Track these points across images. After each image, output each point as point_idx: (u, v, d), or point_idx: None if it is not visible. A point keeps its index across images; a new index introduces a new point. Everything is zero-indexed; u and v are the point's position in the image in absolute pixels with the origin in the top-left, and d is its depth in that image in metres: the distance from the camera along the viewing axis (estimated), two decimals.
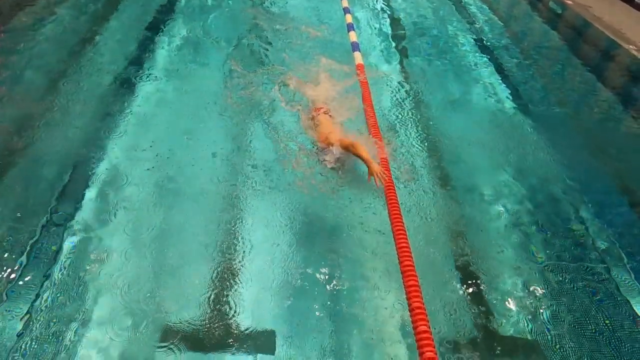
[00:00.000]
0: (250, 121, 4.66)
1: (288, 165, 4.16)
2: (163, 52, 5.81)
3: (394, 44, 6.51)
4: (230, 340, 2.93)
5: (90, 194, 3.78)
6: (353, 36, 6.26)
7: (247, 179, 4.06)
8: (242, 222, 3.70)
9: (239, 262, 3.40)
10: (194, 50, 5.95)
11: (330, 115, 4.60)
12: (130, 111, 4.69)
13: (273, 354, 2.88)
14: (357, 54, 5.81)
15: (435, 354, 2.48)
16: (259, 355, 2.88)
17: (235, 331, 2.98)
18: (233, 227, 3.65)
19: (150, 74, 5.31)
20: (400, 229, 3.31)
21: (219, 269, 3.33)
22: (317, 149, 4.27)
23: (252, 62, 5.65)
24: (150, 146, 4.27)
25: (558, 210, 4.00)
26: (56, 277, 3.17)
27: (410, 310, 2.76)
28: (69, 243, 3.40)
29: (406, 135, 4.68)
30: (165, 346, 2.87)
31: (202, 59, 5.75)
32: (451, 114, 5.10)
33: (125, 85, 5.08)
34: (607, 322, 3.16)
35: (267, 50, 5.93)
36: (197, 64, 5.64)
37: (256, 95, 5.00)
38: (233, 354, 2.88)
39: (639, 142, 5.07)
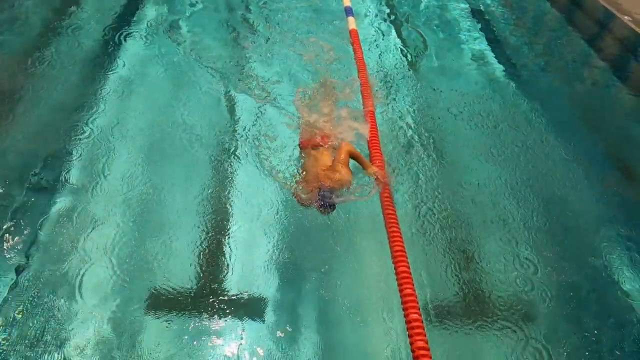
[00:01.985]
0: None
1: None
2: (152, 13, 5.66)
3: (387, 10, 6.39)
4: (220, 306, 2.96)
5: (75, 159, 3.74)
6: (347, 1, 6.12)
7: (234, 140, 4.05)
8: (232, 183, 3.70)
9: (228, 226, 3.41)
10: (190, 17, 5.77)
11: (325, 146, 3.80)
12: (118, 75, 4.59)
13: (262, 319, 2.91)
14: (350, 19, 5.70)
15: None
16: (247, 321, 2.91)
17: (224, 296, 3.01)
18: (222, 188, 3.66)
19: (142, 36, 5.19)
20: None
21: (206, 233, 3.33)
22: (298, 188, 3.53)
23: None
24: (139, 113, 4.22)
25: (548, 179, 3.99)
26: (42, 242, 3.15)
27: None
28: (54, 207, 3.37)
29: (396, 98, 4.65)
30: (152, 310, 2.89)
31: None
32: (442, 80, 5.05)
33: (111, 48, 4.97)
34: (593, 290, 3.23)
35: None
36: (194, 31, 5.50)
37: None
38: (221, 317, 2.90)
39: (632, 113, 5.08)
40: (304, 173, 3.61)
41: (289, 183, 3.60)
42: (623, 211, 3.80)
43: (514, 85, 5.12)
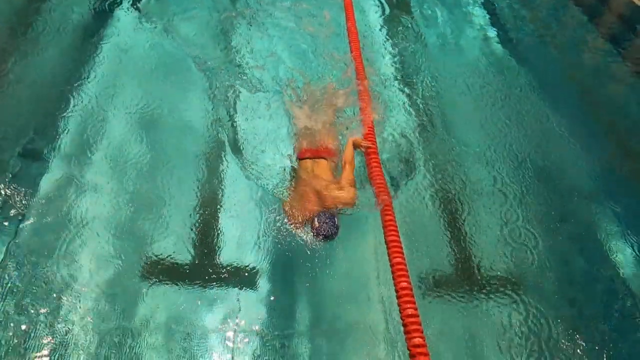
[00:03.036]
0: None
1: None
2: None
3: None
4: (213, 275, 2.97)
5: (68, 127, 3.69)
6: None
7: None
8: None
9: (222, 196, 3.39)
10: None
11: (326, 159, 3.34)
12: (110, 43, 4.51)
13: (254, 289, 2.91)
14: None
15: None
16: (242, 288, 2.92)
17: (217, 265, 3.02)
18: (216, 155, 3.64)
19: (133, 4, 5.07)
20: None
21: (200, 203, 3.32)
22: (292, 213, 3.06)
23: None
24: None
25: (543, 152, 3.98)
26: (35, 210, 3.13)
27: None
28: (46, 175, 3.34)
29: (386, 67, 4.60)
30: (145, 279, 2.89)
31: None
32: (440, 54, 4.98)
33: (103, 17, 4.85)
34: (586, 261, 3.23)
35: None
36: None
37: None
38: (214, 287, 2.92)
39: (629, 88, 5.03)
40: (299, 188, 3.11)
41: (281, 194, 3.24)
42: (617, 184, 3.80)
43: (512, 59, 5.04)
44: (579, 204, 3.61)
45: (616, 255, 3.28)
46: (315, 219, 2.83)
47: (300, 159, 3.37)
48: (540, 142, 4.06)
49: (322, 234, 2.81)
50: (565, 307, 2.99)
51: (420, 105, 4.26)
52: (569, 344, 2.79)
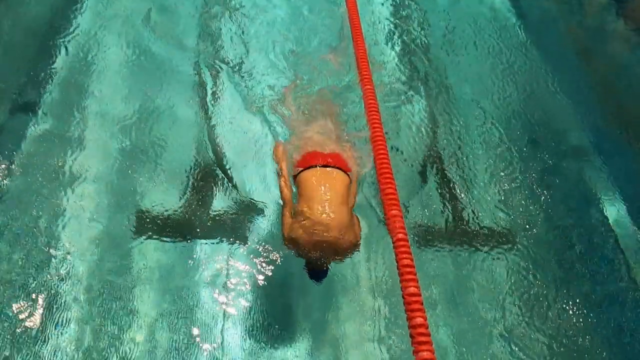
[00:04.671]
0: None
1: None
2: None
3: None
4: (208, 231, 2.97)
5: (56, 80, 3.59)
6: None
7: None
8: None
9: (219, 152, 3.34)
10: None
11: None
12: None
13: (245, 243, 2.92)
14: None
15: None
16: (234, 245, 2.93)
17: (213, 221, 3.01)
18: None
19: None
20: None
21: (195, 158, 3.28)
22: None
23: None
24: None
25: (539, 106, 3.98)
26: (22, 165, 3.09)
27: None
28: (35, 129, 3.27)
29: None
30: (139, 235, 2.89)
31: None
32: (435, 5, 4.86)
33: None
34: (573, 212, 3.28)
35: None
36: None
37: None
38: (208, 242, 2.93)
39: (627, 46, 4.99)
40: (302, 210, 2.47)
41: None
42: (612, 143, 3.82)
43: (511, 15, 4.94)
44: (573, 161, 3.64)
45: (607, 212, 3.33)
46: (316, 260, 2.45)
47: (302, 168, 2.73)
48: (536, 99, 4.05)
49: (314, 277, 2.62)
50: (553, 260, 3.06)
51: (415, 58, 4.21)
52: (555, 293, 2.88)
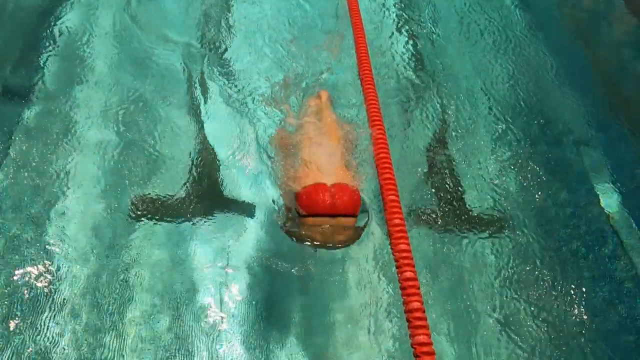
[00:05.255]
0: None
1: None
2: None
3: None
4: (206, 210, 2.96)
5: (48, 63, 3.54)
6: None
7: None
8: None
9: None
10: None
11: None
12: None
13: (246, 219, 2.92)
14: None
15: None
16: (232, 222, 2.92)
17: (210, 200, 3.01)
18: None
19: None
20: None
21: (191, 142, 3.25)
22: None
23: None
24: None
25: (536, 89, 3.95)
26: (16, 150, 3.06)
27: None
28: (28, 113, 3.24)
29: None
30: (135, 215, 2.88)
31: None
32: None
33: None
34: (569, 196, 3.29)
35: None
36: None
37: None
38: (206, 221, 2.92)
39: (626, 29, 4.95)
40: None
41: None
42: (608, 129, 3.80)
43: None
44: (567, 145, 3.63)
45: (603, 200, 3.33)
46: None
47: (306, 213, 2.51)
48: (534, 82, 4.01)
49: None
50: (549, 245, 3.06)
51: (412, 37, 4.18)
52: (551, 278, 2.89)
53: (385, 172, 2.71)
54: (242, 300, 2.66)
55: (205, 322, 2.57)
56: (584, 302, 2.80)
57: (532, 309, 2.76)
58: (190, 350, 2.47)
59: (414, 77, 3.87)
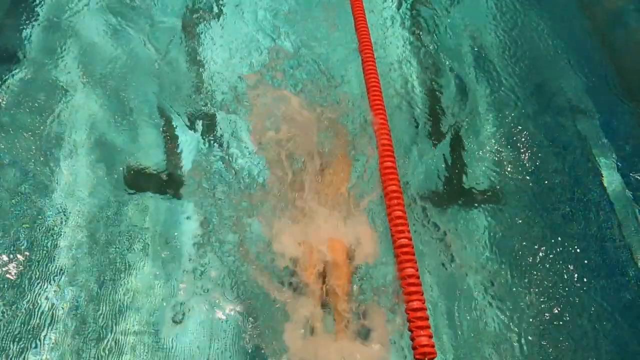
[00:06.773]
0: None
1: None
2: None
3: None
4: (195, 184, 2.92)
5: (34, 26, 3.45)
6: None
7: None
8: None
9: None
10: None
11: None
12: None
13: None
14: None
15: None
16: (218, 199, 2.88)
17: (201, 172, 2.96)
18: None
19: None
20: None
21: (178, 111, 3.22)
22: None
23: None
24: None
25: (535, 61, 3.87)
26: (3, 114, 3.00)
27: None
28: (15, 76, 3.17)
29: None
30: (126, 188, 2.86)
31: None
32: None
33: None
34: (567, 170, 3.28)
35: None
36: None
37: None
38: (193, 195, 2.88)
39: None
40: None
41: None
42: (608, 101, 3.75)
43: None
44: (567, 117, 3.58)
45: (600, 171, 3.31)
46: None
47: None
48: (533, 55, 3.92)
49: None
50: (543, 217, 3.04)
51: (413, 8, 4.08)
52: (544, 251, 2.88)
53: (383, 138, 2.69)
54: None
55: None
56: (579, 278, 2.78)
57: (525, 283, 2.73)
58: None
59: (411, 52, 3.79)
